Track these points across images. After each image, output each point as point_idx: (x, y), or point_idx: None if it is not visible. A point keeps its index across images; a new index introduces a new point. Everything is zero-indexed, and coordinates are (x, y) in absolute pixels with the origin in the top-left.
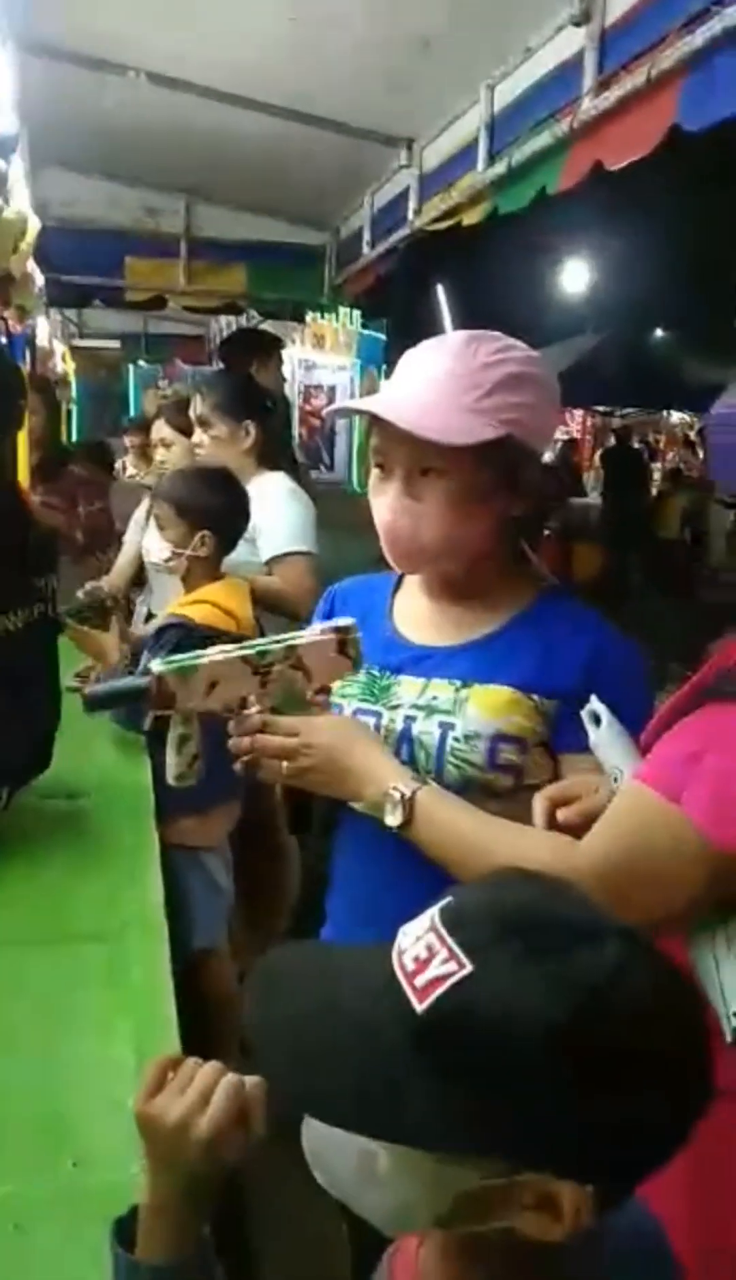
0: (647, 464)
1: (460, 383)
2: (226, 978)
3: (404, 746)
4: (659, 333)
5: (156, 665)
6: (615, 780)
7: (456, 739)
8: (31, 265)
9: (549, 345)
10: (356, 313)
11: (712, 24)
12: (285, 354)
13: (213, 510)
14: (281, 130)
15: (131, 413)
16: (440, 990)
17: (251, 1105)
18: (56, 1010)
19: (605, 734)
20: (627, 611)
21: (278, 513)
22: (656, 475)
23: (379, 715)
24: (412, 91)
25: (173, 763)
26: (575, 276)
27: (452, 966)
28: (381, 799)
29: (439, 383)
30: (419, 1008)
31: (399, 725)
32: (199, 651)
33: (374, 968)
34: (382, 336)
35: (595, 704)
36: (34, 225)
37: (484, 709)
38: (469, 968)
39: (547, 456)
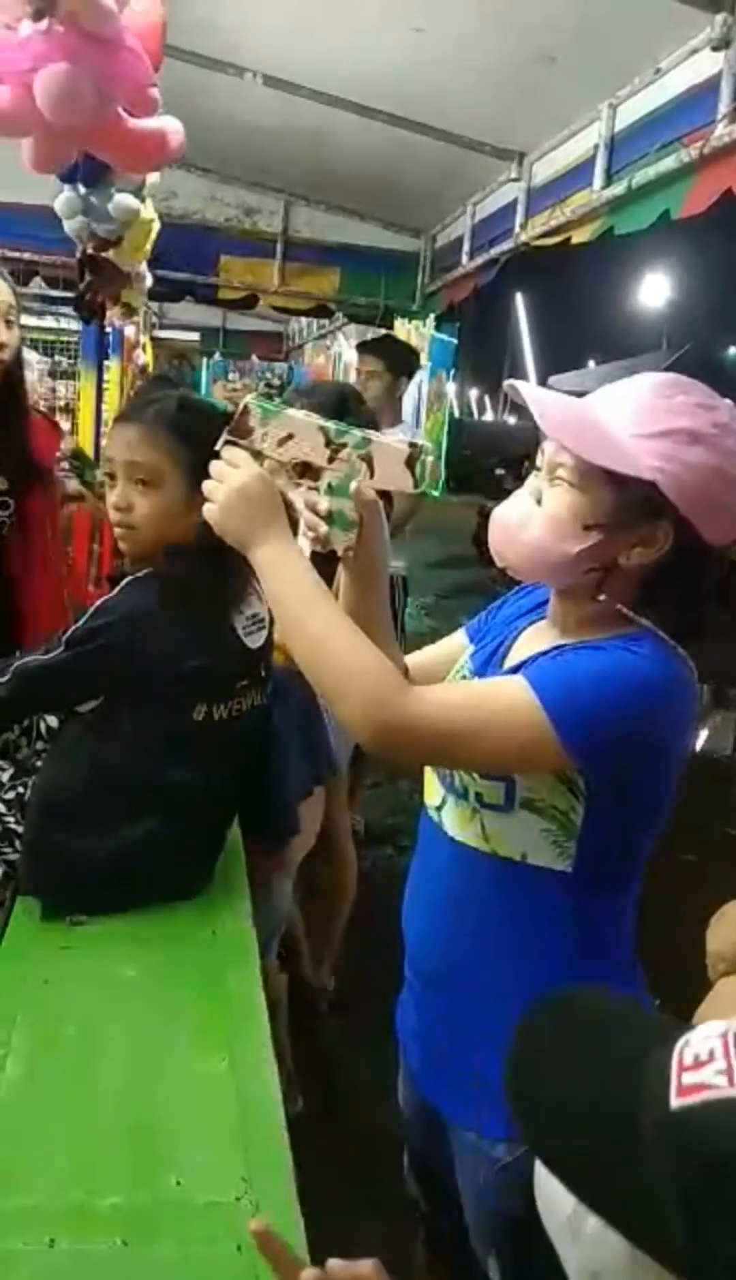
0: None
1: (634, 414)
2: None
3: None
4: (733, 351)
5: (250, 398)
6: None
7: None
8: (143, 264)
9: (621, 359)
10: (431, 316)
11: None
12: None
13: None
14: (387, 136)
15: None
16: (700, 1097)
17: None
18: (152, 1017)
19: None
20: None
21: None
22: None
23: None
24: (528, 104)
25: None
26: (655, 292)
27: (722, 1081)
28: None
29: (614, 405)
30: (674, 1103)
31: None
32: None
33: (655, 1041)
34: (454, 340)
35: None
36: (157, 226)
37: None
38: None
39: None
